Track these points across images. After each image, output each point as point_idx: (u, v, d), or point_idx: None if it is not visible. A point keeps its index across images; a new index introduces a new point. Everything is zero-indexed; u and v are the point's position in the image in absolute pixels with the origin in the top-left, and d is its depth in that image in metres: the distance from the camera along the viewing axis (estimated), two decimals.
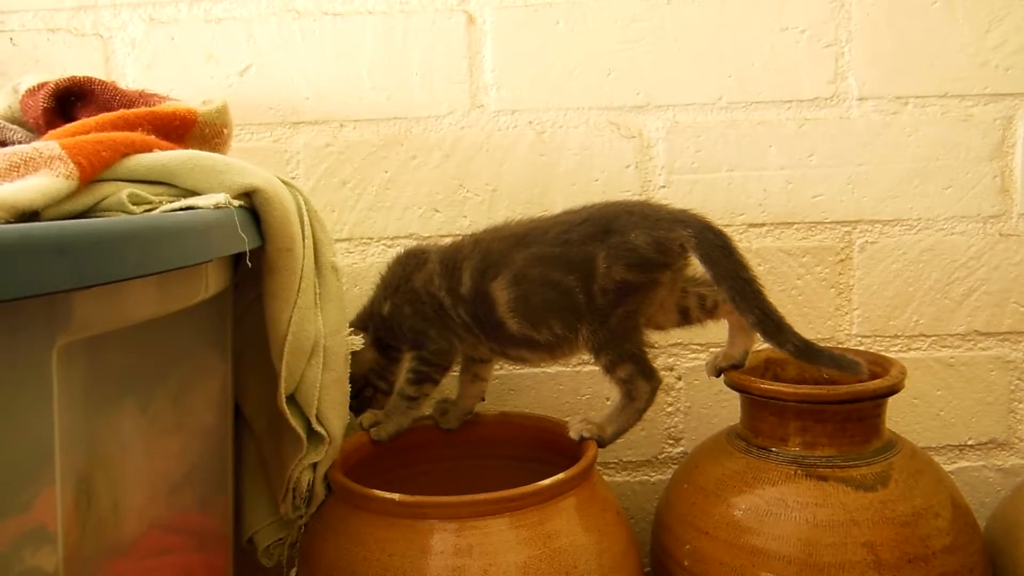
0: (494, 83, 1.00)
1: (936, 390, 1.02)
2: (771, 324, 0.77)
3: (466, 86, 1.00)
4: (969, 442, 1.03)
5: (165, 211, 0.59)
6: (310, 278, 0.73)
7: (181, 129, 0.75)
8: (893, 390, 0.79)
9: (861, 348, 1.00)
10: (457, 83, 1.00)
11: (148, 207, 0.60)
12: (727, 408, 0.91)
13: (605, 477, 1.03)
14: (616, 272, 0.78)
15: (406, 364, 0.87)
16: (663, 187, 1.01)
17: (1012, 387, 1.02)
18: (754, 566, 0.76)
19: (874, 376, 0.83)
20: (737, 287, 0.77)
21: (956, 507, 0.79)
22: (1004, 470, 1.03)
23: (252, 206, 0.67)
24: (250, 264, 0.65)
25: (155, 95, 0.81)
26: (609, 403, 0.86)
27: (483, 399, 0.93)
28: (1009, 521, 0.85)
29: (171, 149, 0.69)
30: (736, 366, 0.85)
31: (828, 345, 0.99)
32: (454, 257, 0.85)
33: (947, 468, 1.02)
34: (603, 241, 0.79)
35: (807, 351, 0.77)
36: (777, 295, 1.01)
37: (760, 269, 1.01)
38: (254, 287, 0.74)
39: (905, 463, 0.80)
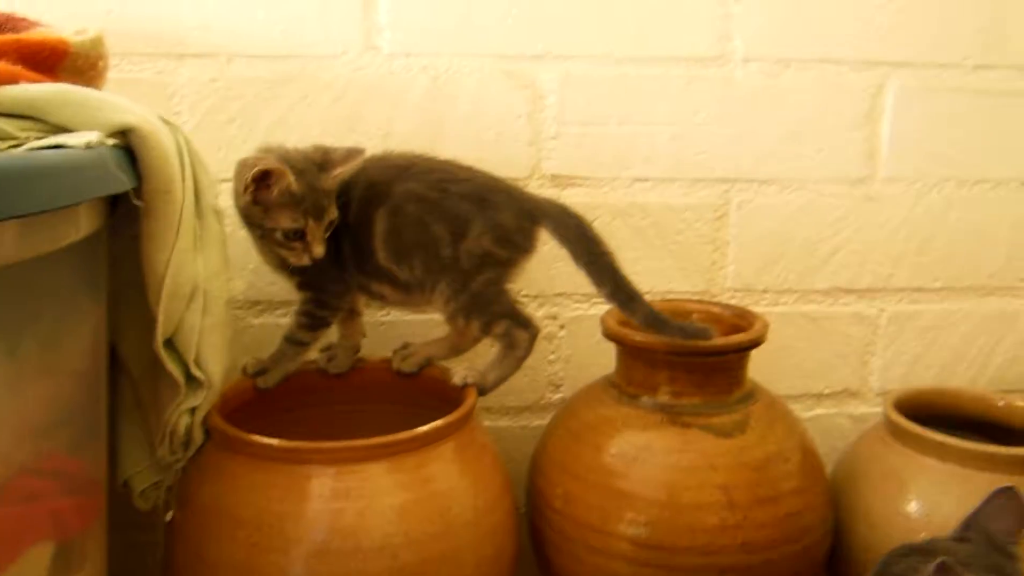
0: (388, 24, 0.98)
1: (799, 342, 1.09)
2: (623, 295, 0.83)
3: (360, 26, 0.98)
4: (826, 391, 1.11)
5: (32, 148, 0.57)
6: (190, 221, 0.72)
7: (51, 60, 0.72)
8: (755, 343, 0.85)
9: (733, 301, 1.06)
10: (352, 22, 0.98)
11: (13, 143, 0.58)
12: (607, 356, 0.95)
13: (488, 422, 1.06)
14: (485, 241, 0.83)
15: None
16: (553, 138, 1.02)
17: (867, 341, 1.10)
18: (620, 508, 0.80)
19: (739, 330, 0.88)
20: (592, 262, 0.83)
21: (805, 453, 0.86)
22: (855, 417, 1.12)
23: (128, 145, 0.65)
24: (137, 203, 0.64)
25: (24, 19, 0.77)
26: (492, 351, 0.88)
27: (364, 335, 0.94)
28: (852, 466, 0.93)
29: (41, 81, 0.66)
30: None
31: (703, 298, 1.05)
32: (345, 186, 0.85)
33: (805, 415, 1.10)
34: (480, 209, 0.83)
35: (654, 322, 0.82)
36: (657, 249, 1.05)
37: (644, 223, 1.04)
38: (132, 226, 0.72)
39: (762, 412, 0.86)
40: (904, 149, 1.07)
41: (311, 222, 0.79)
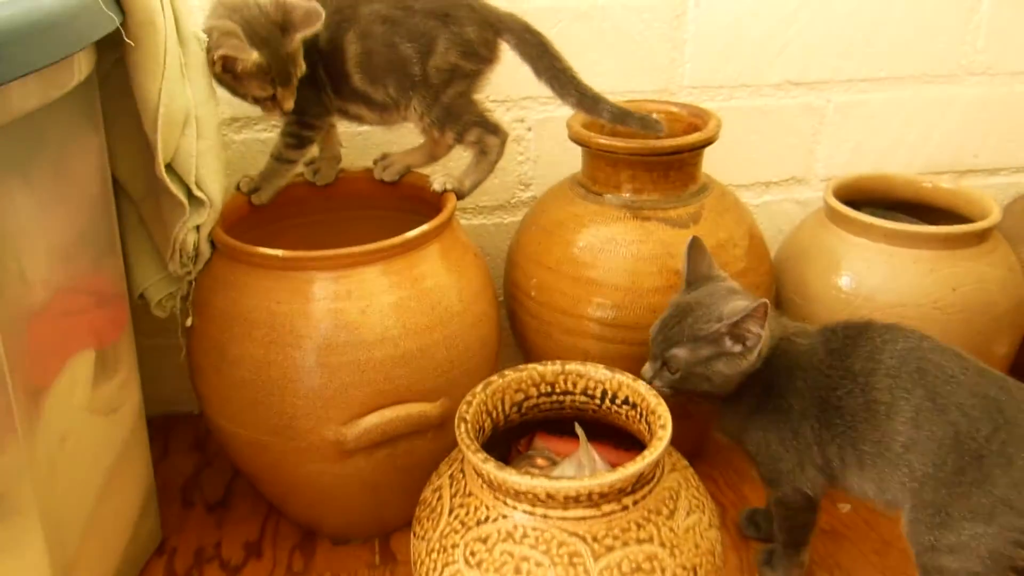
0: None
1: (751, 134, 1.16)
2: (588, 100, 0.88)
3: None
4: (774, 179, 1.20)
5: None
6: (175, 49, 0.75)
7: None
8: (709, 141, 0.92)
9: (690, 98, 1.11)
10: None
11: None
12: (572, 155, 1.01)
13: (463, 221, 1.14)
14: (452, 56, 0.86)
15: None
16: None
17: (813, 131, 1.18)
18: (589, 294, 0.91)
19: (695, 128, 0.95)
20: (554, 76, 0.88)
21: (752, 238, 0.96)
22: (800, 202, 1.21)
23: None
24: (129, 42, 0.67)
25: None
26: (467, 156, 0.95)
27: (341, 144, 1.00)
28: (794, 247, 1.04)
29: None
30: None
31: (662, 95, 1.11)
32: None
33: (754, 202, 1.19)
34: (444, 25, 0.86)
35: (619, 115, 0.88)
36: (619, 50, 1.09)
37: (604, 25, 1.08)
38: (111, 55, 0.76)
39: (714, 203, 0.94)
40: None
41: (280, 89, 0.84)
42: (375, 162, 0.98)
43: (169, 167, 0.78)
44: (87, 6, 0.61)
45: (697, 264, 0.82)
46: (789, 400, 0.79)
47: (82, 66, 0.65)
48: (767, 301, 0.75)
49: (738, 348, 0.77)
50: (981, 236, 0.94)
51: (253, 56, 0.80)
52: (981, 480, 0.71)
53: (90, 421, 0.77)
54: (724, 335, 0.77)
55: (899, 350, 0.76)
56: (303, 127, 0.90)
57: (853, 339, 0.79)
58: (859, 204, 1.01)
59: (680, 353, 0.79)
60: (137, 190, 0.86)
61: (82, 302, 0.76)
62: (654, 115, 0.96)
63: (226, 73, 0.82)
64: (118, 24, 0.65)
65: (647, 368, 0.81)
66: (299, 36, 0.83)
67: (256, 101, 0.85)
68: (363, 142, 1.07)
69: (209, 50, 0.81)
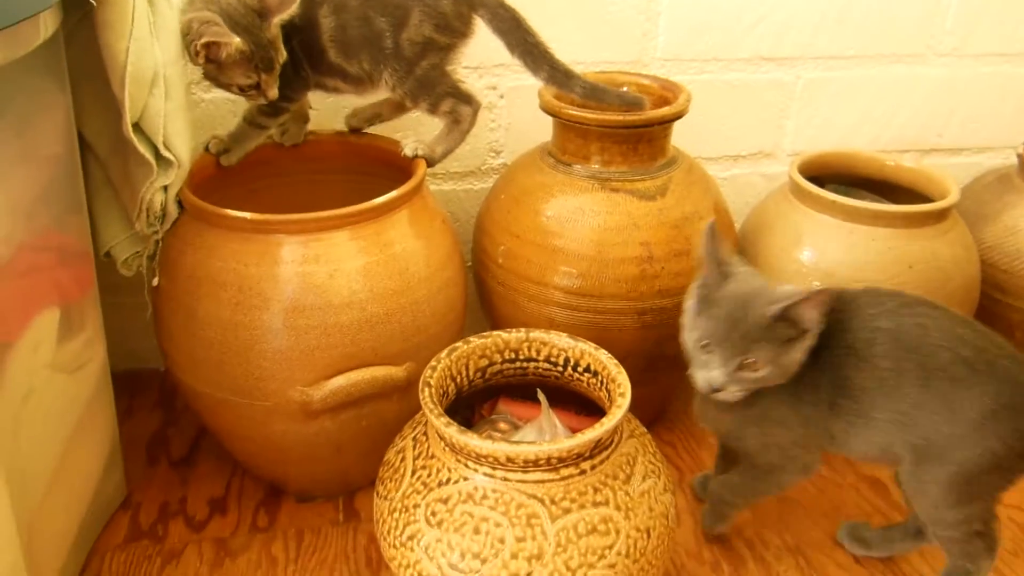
0: None
1: (721, 108, 1.17)
2: (560, 75, 0.89)
3: None
4: (743, 153, 1.22)
5: None
6: (143, 8, 0.74)
7: None
8: (679, 115, 0.93)
9: (662, 71, 1.12)
10: None
11: None
12: (544, 124, 1.01)
13: (434, 186, 1.14)
14: (425, 29, 0.86)
15: None
16: None
17: (782, 106, 1.19)
18: (555, 262, 0.92)
19: (666, 102, 0.96)
20: (527, 51, 0.89)
21: (718, 211, 0.97)
22: (767, 176, 1.23)
23: None
24: (93, 1, 0.66)
25: None
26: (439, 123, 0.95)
27: (310, 105, 0.99)
28: (759, 220, 1.05)
29: None
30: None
31: (633, 68, 1.12)
32: None
33: (723, 175, 1.21)
34: None
35: (593, 91, 0.89)
36: (592, 20, 1.09)
37: None
38: (76, 12, 0.75)
39: (682, 176, 0.96)
40: None
41: (263, 76, 0.84)
42: (346, 117, 0.99)
43: (136, 126, 0.78)
44: None
45: (718, 250, 0.76)
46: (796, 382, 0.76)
47: (48, 24, 0.64)
48: (829, 289, 0.72)
49: (795, 332, 0.73)
50: (939, 216, 0.96)
51: (236, 41, 0.80)
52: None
53: (54, 378, 0.77)
54: (784, 320, 0.72)
55: (887, 314, 0.76)
56: (281, 98, 0.90)
57: (843, 312, 0.76)
58: (824, 180, 1.03)
59: (764, 350, 0.73)
60: (103, 149, 0.85)
61: (46, 259, 0.76)
62: (625, 88, 0.98)
63: (209, 63, 0.82)
64: None
65: (717, 375, 0.74)
66: (277, 20, 0.83)
67: (240, 90, 0.85)
68: (334, 104, 1.06)
69: (190, 42, 0.80)
